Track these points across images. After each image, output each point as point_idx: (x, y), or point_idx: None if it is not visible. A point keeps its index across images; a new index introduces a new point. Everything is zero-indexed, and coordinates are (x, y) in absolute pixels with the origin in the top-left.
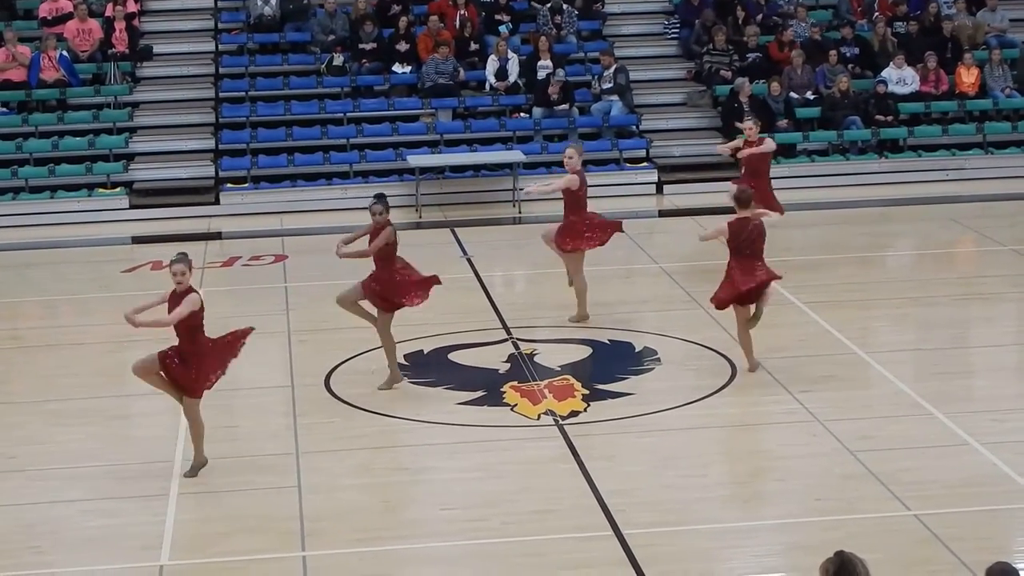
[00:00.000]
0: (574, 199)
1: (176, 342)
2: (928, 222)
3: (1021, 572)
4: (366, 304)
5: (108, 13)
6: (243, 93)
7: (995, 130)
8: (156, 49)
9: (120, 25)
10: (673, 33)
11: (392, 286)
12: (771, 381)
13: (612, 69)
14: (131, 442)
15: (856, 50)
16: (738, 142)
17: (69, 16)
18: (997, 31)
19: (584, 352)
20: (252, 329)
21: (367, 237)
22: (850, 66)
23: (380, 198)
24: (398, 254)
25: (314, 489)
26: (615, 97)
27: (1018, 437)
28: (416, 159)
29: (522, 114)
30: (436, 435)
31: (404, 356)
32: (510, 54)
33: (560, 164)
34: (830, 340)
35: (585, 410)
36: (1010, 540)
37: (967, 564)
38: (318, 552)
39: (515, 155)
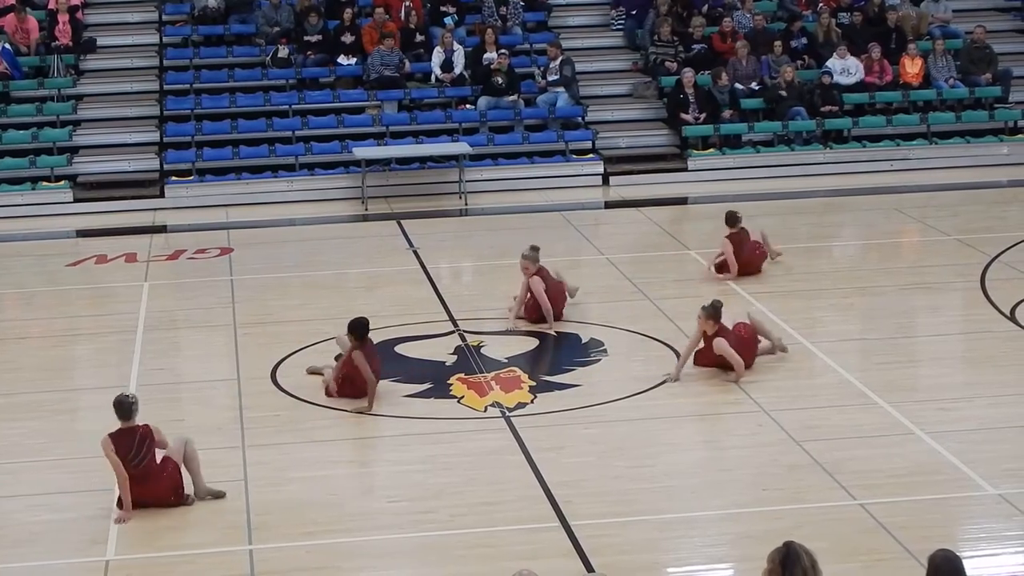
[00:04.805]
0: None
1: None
2: (873, 212)
3: (963, 559)
4: None
5: (51, 5)
6: (188, 85)
7: (939, 120)
8: (100, 41)
9: (63, 17)
10: (619, 24)
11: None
12: (717, 371)
13: (559, 61)
14: (77, 436)
15: (804, 42)
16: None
17: (11, 8)
18: (941, 21)
19: (531, 344)
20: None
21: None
22: (798, 62)
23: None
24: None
25: (261, 482)
26: (561, 89)
27: (963, 426)
28: (362, 151)
29: (468, 106)
30: (383, 428)
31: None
32: (456, 46)
33: (506, 156)
34: (776, 330)
35: (532, 402)
36: (954, 528)
37: (912, 552)
38: (265, 545)
39: (461, 147)
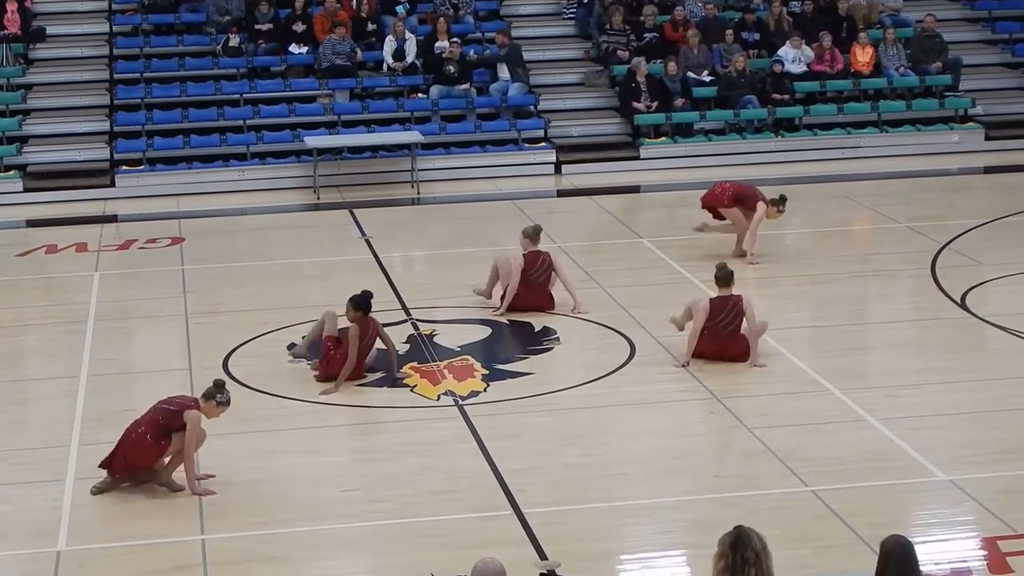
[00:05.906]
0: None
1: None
2: (824, 200)
3: (915, 545)
4: None
5: None
6: (138, 75)
7: (889, 109)
8: (49, 30)
9: (12, 6)
10: (570, 13)
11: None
12: (670, 359)
13: (506, 49)
14: (27, 427)
15: (757, 36)
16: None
17: None
18: (891, 10)
19: (484, 332)
20: None
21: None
22: (750, 51)
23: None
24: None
25: (213, 472)
26: (507, 77)
27: (913, 412)
28: (313, 140)
29: (420, 94)
30: (336, 417)
31: (303, 337)
32: (407, 34)
33: (458, 145)
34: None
35: (485, 390)
36: (906, 514)
37: (863, 539)
38: (217, 535)
39: (413, 136)
